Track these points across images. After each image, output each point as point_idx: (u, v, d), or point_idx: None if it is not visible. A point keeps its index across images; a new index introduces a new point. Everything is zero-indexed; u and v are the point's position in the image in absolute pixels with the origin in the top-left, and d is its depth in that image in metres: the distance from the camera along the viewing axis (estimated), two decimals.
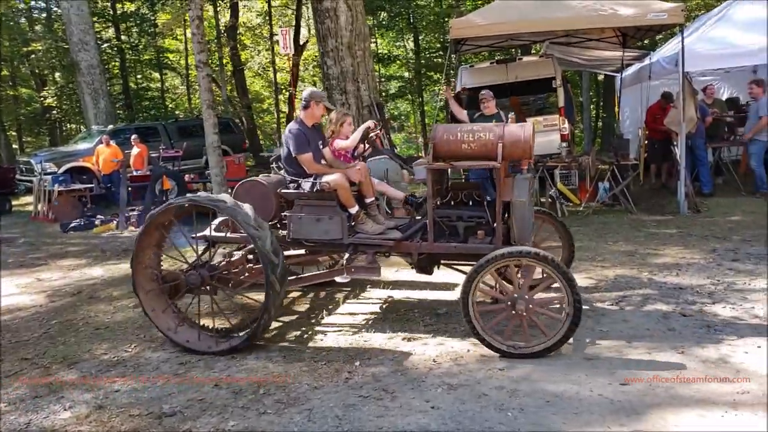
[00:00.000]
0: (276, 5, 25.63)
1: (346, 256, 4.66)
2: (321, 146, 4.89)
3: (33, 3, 26.46)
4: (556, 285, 3.91)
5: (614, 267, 5.96)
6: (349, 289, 5.80)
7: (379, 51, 26.26)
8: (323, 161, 4.88)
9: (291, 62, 17.56)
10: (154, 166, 12.09)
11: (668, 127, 9.16)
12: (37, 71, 25.03)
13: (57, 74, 25.18)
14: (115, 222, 10.54)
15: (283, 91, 24.92)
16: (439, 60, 22.70)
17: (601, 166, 8.91)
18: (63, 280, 6.91)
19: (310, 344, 4.45)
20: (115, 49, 24.56)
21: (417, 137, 28.19)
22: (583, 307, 4.06)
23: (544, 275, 3.95)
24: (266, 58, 26.22)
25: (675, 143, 8.93)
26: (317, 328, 4.80)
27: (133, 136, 13.45)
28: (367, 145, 5.18)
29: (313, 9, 11.06)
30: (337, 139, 5.12)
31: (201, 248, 4.77)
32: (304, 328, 4.82)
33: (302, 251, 4.99)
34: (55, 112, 24.88)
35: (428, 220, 4.40)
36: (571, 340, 3.95)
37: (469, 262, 4.61)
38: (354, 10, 10.30)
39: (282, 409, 3.43)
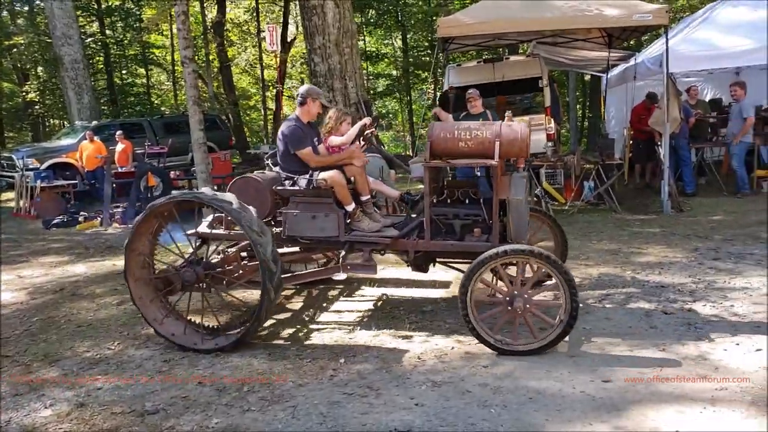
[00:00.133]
0: (263, 2, 25.49)
1: (343, 253, 4.65)
2: (316, 143, 4.87)
3: None
4: (549, 282, 3.92)
5: (598, 265, 6.01)
6: (341, 286, 5.79)
7: (367, 49, 26.26)
8: None
9: (278, 59, 17.48)
10: (139, 162, 12.00)
11: (652, 127, 9.26)
12: (19, 65, 24.70)
13: (40, 69, 24.86)
14: (98, 219, 10.43)
15: (271, 88, 24.82)
16: (427, 58, 22.76)
17: (586, 166, 8.97)
18: (45, 277, 6.83)
19: (296, 342, 4.45)
20: (100, 43, 24.30)
21: (405, 135, 28.21)
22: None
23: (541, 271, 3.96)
24: (253, 55, 26.08)
25: (659, 143, 9.03)
26: (303, 326, 4.79)
27: (118, 132, 13.33)
28: (362, 142, 5.18)
29: (300, 6, 11.05)
30: (332, 136, 5.10)
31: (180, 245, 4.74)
32: (290, 326, 4.81)
33: (296, 249, 4.97)
34: (37, 107, 24.60)
35: (425, 218, 4.41)
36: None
37: (465, 260, 4.63)
38: (342, 7, 10.29)
39: (266, 407, 3.42)
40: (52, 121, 28.48)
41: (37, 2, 24.25)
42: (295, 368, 3.92)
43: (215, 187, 8.32)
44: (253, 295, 5.27)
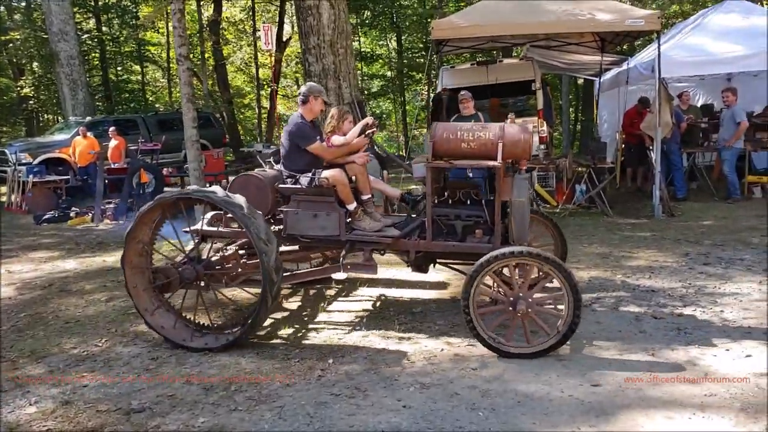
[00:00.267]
0: (260, 1, 25.46)
1: (343, 253, 4.63)
2: (319, 141, 4.85)
3: None
4: (551, 285, 3.91)
5: (589, 269, 6.02)
6: (338, 287, 5.77)
7: (362, 49, 26.27)
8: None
9: (273, 59, 17.44)
10: (132, 159, 11.94)
11: (644, 131, 9.30)
12: (14, 60, 24.51)
13: (35, 64, 24.71)
14: (90, 215, 10.39)
15: (265, 86, 24.77)
16: (422, 60, 22.77)
17: (578, 169, 9.00)
18: (34, 272, 6.78)
19: (284, 341, 4.43)
20: (96, 40, 24.18)
21: (398, 136, 28.23)
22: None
23: (540, 274, 3.95)
24: (249, 54, 26.05)
25: (650, 148, 9.06)
26: (293, 326, 4.77)
27: (111, 128, 13.28)
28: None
29: (296, 6, 11.02)
30: (335, 135, 5.08)
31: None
32: (280, 325, 4.79)
33: (296, 247, 4.95)
34: (32, 102, 24.43)
35: (427, 218, 4.40)
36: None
37: (466, 261, 4.62)
38: (337, 8, 10.28)
39: (253, 406, 3.40)
40: (46, 117, 28.30)
41: None
42: (282, 368, 3.90)
43: (207, 185, 8.30)
44: (246, 294, 5.25)
